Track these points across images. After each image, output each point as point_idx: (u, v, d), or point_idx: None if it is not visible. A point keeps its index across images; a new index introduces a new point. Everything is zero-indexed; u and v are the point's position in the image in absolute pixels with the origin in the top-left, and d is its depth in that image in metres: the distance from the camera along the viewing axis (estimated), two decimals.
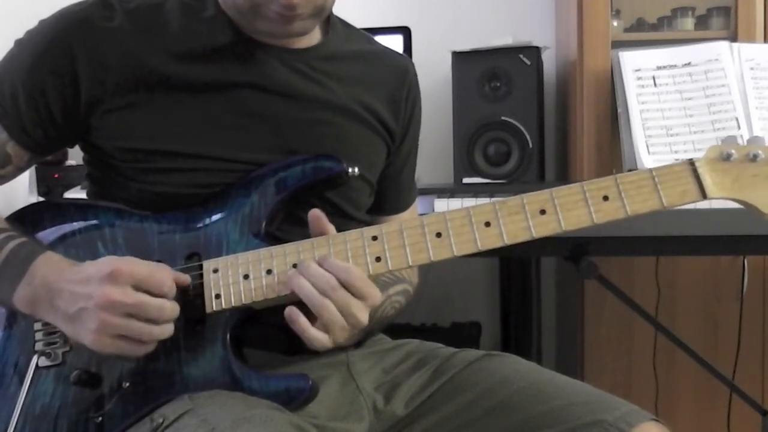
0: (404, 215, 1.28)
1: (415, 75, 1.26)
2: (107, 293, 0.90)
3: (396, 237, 0.97)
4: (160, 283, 0.92)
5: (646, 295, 2.06)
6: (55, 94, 1.04)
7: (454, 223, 0.97)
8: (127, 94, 1.03)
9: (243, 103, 1.07)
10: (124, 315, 0.90)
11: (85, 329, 0.92)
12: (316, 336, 0.94)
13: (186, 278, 0.97)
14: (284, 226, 1.05)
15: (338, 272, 0.93)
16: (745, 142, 0.97)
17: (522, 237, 0.96)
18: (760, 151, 0.95)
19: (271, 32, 1.06)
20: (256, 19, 1.04)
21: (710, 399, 2.10)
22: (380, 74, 1.20)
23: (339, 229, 1.03)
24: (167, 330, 0.93)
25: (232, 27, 1.08)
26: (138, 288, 0.91)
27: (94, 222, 1.05)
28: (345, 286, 0.93)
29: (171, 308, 0.93)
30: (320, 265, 0.94)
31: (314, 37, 1.14)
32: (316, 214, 0.99)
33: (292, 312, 0.94)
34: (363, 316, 0.95)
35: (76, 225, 1.06)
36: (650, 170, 0.96)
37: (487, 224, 0.96)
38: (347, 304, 0.93)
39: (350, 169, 1.05)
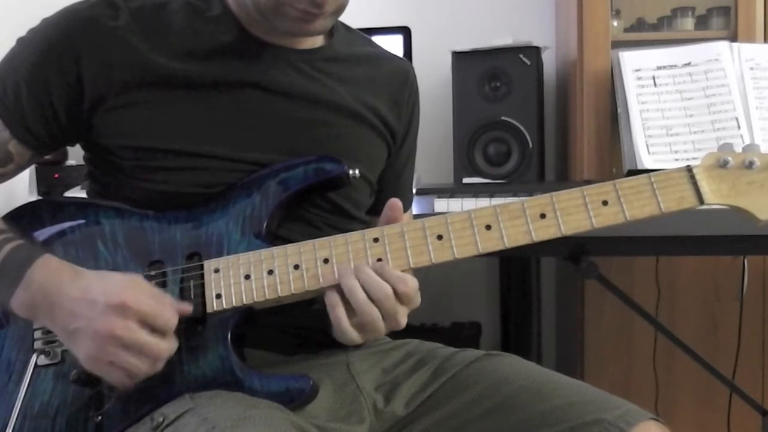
0: (404, 217, 1.28)
1: (415, 78, 1.27)
2: (110, 325, 0.90)
3: (397, 239, 0.97)
4: (163, 323, 0.93)
5: (646, 295, 2.06)
6: (59, 91, 1.04)
7: (455, 226, 0.97)
8: (130, 92, 1.04)
9: (247, 102, 1.07)
10: (121, 347, 0.91)
11: (80, 349, 0.93)
12: (348, 330, 0.96)
13: (188, 308, 0.97)
14: (287, 225, 1.06)
15: (396, 284, 0.95)
16: (745, 143, 0.99)
17: (522, 241, 0.97)
18: (756, 159, 0.97)
19: (290, 31, 1.06)
20: (277, 18, 1.03)
21: (710, 399, 2.09)
22: (382, 76, 1.21)
23: (340, 229, 1.03)
24: (157, 368, 0.94)
25: (237, 26, 1.08)
26: (141, 324, 0.91)
27: (93, 221, 1.05)
28: (398, 295, 0.95)
29: (167, 349, 0.93)
30: (377, 273, 0.95)
31: (318, 38, 1.14)
32: (394, 203, 1.01)
33: (334, 299, 0.95)
34: (404, 320, 0.97)
35: (76, 223, 1.05)
36: (648, 176, 0.97)
37: (488, 227, 0.97)
38: (395, 312, 0.95)
39: (351, 171, 1.05)
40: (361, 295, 0.94)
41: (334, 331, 0.97)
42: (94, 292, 0.93)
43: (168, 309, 0.93)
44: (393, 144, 1.22)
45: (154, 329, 0.92)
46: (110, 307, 0.90)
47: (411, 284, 0.96)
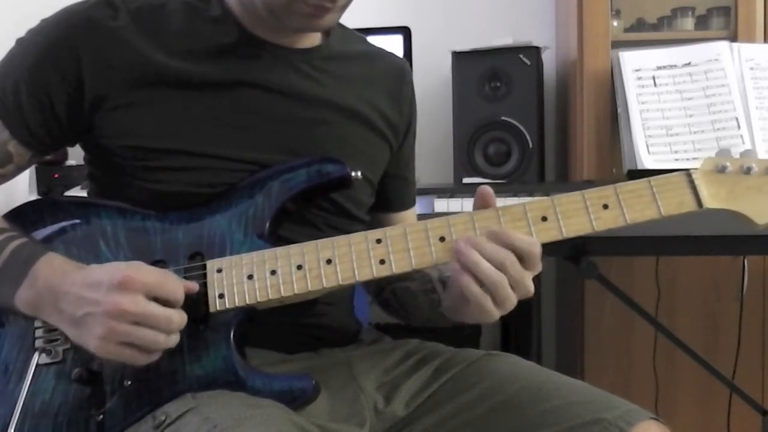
0: (409, 213, 1.29)
1: (411, 75, 1.27)
2: (117, 301, 0.89)
3: (400, 240, 0.97)
4: (171, 292, 0.92)
5: (646, 295, 2.06)
6: (58, 92, 1.04)
7: (457, 228, 0.97)
8: (131, 92, 1.04)
9: (247, 102, 1.07)
10: (132, 323, 0.90)
11: (90, 335, 0.92)
12: (490, 309, 0.94)
13: (194, 286, 0.96)
14: (288, 225, 1.06)
15: (524, 247, 0.92)
16: (745, 143, 1.00)
17: None
18: (753, 164, 0.98)
19: (299, 27, 1.07)
20: (288, 15, 1.03)
21: (710, 399, 2.10)
22: (380, 73, 1.21)
23: (341, 230, 1.04)
24: (173, 340, 0.93)
25: (237, 27, 1.09)
26: (148, 296, 0.91)
27: (95, 220, 1.05)
28: (524, 259, 0.93)
29: (179, 319, 0.93)
30: (495, 240, 0.93)
31: (316, 37, 1.15)
32: (488, 192, 0.99)
33: (466, 280, 0.93)
34: (532, 286, 0.95)
35: (77, 223, 1.05)
36: (648, 180, 0.98)
37: None
38: (522, 278, 0.93)
39: (354, 173, 1.05)
40: (486, 265, 0.92)
41: (471, 311, 0.96)
42: (97, 276, 0.92)
43: (172, 279, 0.93)
44: (395, 140, 1.22)
45: (162, 300, 0.92)
46: (114, 285, 0.90)
47: (538, 247, 0.94)
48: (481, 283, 0.93)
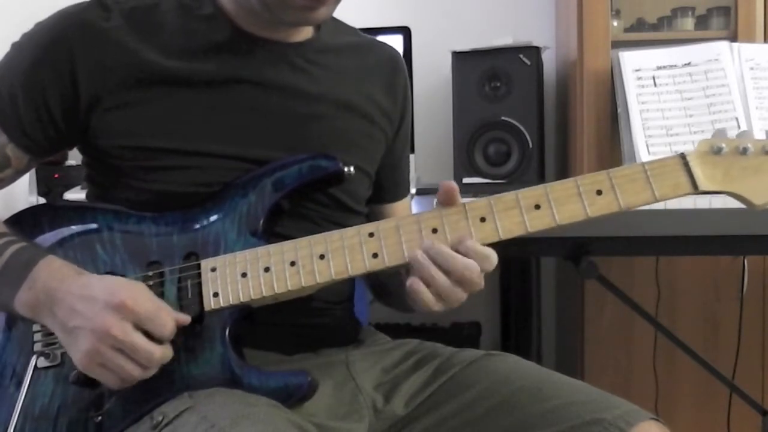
0: (402, 204, 1.29)
1: (404, 64, 1.28)
2: (106, 323, 0.90)
3: (392, 233, 0.97)
4: (161, 327, 0.93)
5: (646, 295, 2.06)
6: (54, 94, 1.04)
7: (449, 219, 0.97)
8: (126, 92, 1.04)
9: (242, 99, 1.07)
10: (115, 349, 0.91)
11: (76, 347, 0.93)
12: (430, 302, 0.95)
13: (186, 318, 0.96)
14: (287, 222, 1.06)
15: (482, 262, 0.94)
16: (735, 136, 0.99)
17: (517, 232, 0.96)
18: (749, 145, 0.96)
19: (293, 21, 1.07)
20: (282, 9, 1.03)
21: (710, 399, 2.09)
22: (374, 63, 1.21)
23: (339, 224, 1.04)
24: (149, 373, 0.94)
25: (230, 24, 1.09)
26: (138, 327, 0.92)
27: (92, 224, 1.05)
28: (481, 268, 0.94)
29: (160, 355, 0.93)
30: (459, 251, 0.94)
31: (308, 31, 1.15)
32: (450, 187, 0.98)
33: (412, 279, 0.95)
34: (482, 282, 0.96)
35: (74, 228, 1.05)
36: (642, 164, 0.97)
37: (483, 219, 0.97)
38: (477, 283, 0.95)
39: (346, 168, 1.05)
40: (444, 280, 0.94)
41: (413, 302, 0.96)
42: (95, 290, 0.93)
43: (166, 315, 0.94)
44: (390, 130, 1.22)
45: (150, 334, 0.92)
46: (109, 306, 0.91)
47: (494, 259, 0.95)
48: (437, 294, 0.94)
